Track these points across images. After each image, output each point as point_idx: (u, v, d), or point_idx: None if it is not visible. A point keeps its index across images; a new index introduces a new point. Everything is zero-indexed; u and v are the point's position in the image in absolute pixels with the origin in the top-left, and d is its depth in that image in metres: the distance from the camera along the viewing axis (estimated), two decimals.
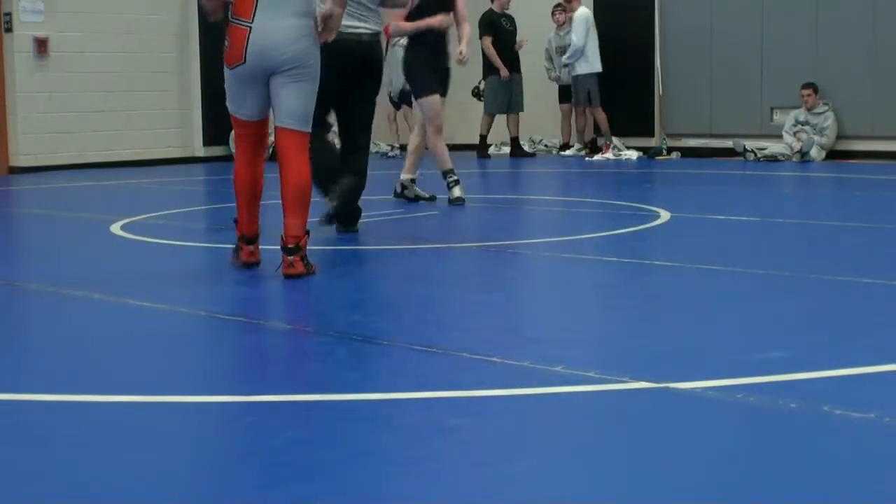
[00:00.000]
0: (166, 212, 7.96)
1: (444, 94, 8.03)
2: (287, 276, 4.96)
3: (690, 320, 4.14)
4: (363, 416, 2.95)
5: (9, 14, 11.99)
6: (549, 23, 13.57)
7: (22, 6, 12.01)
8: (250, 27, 4.93)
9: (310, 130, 5.13)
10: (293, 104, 5.02)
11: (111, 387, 3.26)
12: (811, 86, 11.89)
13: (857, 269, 5.04)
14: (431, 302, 4.58)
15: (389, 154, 14.00)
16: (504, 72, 13.06)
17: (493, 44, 13.12)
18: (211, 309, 4.47)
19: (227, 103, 5.19)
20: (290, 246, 4.96)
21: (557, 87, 13.60)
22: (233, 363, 3.59)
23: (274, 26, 4.94)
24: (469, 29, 8.16)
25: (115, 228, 6.87)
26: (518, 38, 13.22)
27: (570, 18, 13.07)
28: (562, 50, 13.36)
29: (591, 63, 12.92)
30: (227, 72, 5.08)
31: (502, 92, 13.20)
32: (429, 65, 7.91)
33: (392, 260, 5.81)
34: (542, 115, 13.98)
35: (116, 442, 2.75)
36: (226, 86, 5.14)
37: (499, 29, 13.20)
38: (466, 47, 7.98)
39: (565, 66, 13.21)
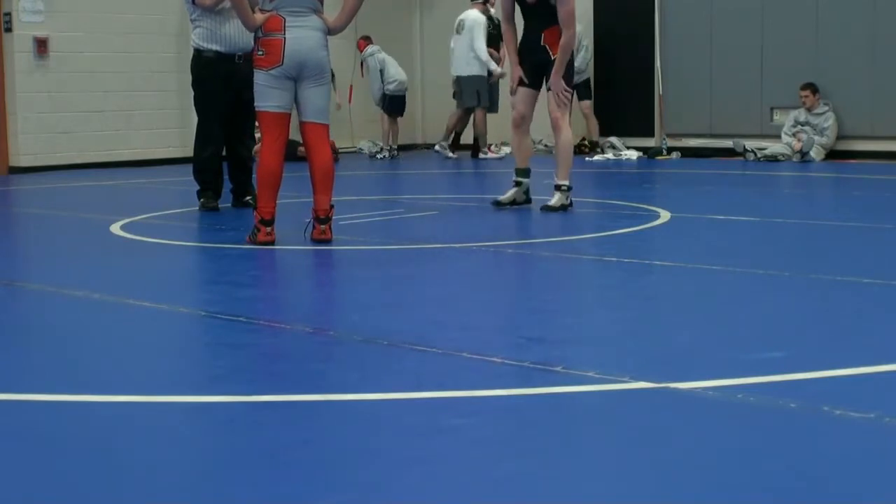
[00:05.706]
0: (166, 212, 7.96)
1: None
2: (316, 240, 6.00)
3: (690, 320, 4.14)
4: (363, 416, 2.95)
5: (9, 14, 11.97)
6: None
7: (22, 6, 12.00)
8: (284, 38, 5.96)
9: (328, 122, 6.20)
10: (317, 103, 6.10)
11: (111, 387, 3.26)
12: (810, 86, 11.88)
13: (857, 269, 5.04)
14: (431, 302, 4.58)
15: (379, 156, 13.82)
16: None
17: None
18: (211, 309, 4.47)
19: (258, 104, 6.07)
20: (322, 217, 6.03)
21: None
22: (233, 363, 3.59)
23: (304, 36, 5.99)
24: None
25: (115, 228, 6.87)
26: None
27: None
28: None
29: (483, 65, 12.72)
30: (261, 75, 6.03)
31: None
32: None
33: (392, 260, 5.80)
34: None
35: (116, 442, 2.75)
36: (257, 89, 6.04)
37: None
38: None
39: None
